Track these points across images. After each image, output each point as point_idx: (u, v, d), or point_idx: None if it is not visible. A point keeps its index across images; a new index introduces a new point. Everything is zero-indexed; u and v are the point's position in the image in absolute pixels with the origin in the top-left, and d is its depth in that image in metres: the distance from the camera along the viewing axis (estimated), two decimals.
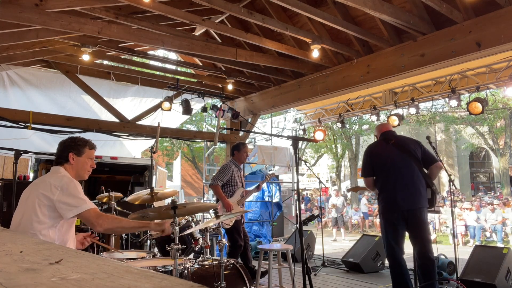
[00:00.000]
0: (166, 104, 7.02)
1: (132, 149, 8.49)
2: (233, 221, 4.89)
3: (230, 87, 7.31)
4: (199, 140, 10.42)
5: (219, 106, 7.51)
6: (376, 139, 4.29)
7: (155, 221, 2.67)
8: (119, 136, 7.23)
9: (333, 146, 23.44)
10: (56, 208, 2.30)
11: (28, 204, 2.36)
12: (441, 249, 7.72)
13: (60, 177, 2.40)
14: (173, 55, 8.48)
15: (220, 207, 4.95)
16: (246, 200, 5.41)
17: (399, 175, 3.86)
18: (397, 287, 3.85)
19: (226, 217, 3.29)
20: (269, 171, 5.41)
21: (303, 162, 5.49)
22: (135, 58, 7.15)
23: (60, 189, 2.32)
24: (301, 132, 9.92)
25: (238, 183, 5.11)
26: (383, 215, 3.96)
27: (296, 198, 5.52)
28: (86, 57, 5.69)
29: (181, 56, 7.52)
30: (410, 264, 4.10)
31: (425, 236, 3.80)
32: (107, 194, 4.24)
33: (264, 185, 9.86)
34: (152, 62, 8.07)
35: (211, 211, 5.17)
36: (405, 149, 3.94)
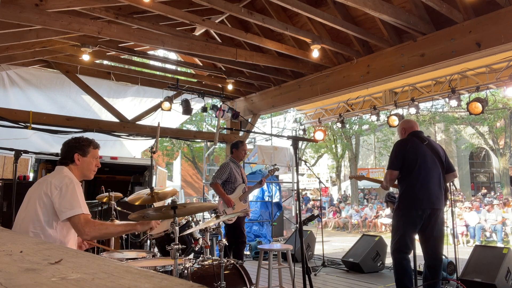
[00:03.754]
0: (166, 104, 7.02)
1: (132, 149, 8.49)
2: (236, 217, 4.94)
3: (230, 87, 7.31)
4: (199, 140, 10.41)
5: (219, 106, 7.51)
6: (400, 135, 4.27)
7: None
8: (119, 136, 7.23)
9: (333, 146, 23.44)
10: (53, 208, 2.31)
11: (30, 203, 2.37)
12: None
13: (62, 177, 2.40)
14: (173, 55, 8.48)
15: (221, 204, 5.02)
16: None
17: (428, 175, 3.93)
18: (401, 285, 3.84)
19: (228, 216, 3.30)
20: (273, 165, 5.43)
21: (303, 162, 5.48)
22: (135, 58, 7.15)
23: (59, 189, 2.32)
24: (301, 132, 9.92)
25: (238, 179, 5.17)
26: (404, 211, 3.94)
27: (296, 198, 5.52)
28: (86, 57, 5.69)
29: (181, 56, 7.52)
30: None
31: (442, 236, 3.95)
32: (107, 194, 4.24)
33: (264, 185, 9.87)
34: (152, 62, 8.07)
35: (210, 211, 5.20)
36: (436, 153, 4.06)
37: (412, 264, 4.30)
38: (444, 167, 4.06)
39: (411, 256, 4.05)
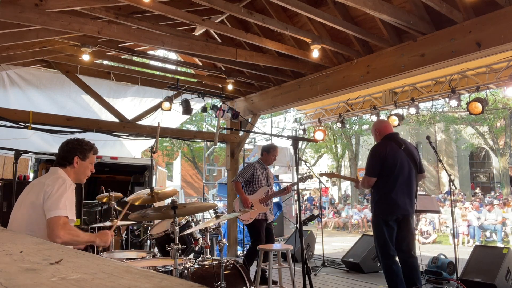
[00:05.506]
0: (166, 104, 7.01)
1: (132, 149, 8.49)
2: (253, 218, 4.97)
3: (230, 87, 7.31)
4: (199, 140, 10.42)
5: (219, 106, 7.51)
6: (375, 136, 4.28)
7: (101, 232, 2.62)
8: (119, 136, 7.22)
9: (333, 146, 23.46)
10: (43, 209, 2.29)
11: (23, 206, 2.36)
12: (441, 249, 7.73)
13: (56, 178, 2.38)
14: (173, 55, 8.48)
15: (238, 203, 5.06)
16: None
17: (405, 182, 3.97)
18: (395, 286, 3.87)
19: (229, 216, 3.30)
20: (305, 174, 5.28)
21: (303, 162, 5.47)
22: (135, 58, 7.14)
23: (50, 190, 2.30)
24: (301, 132, 9.92)
25: (261, 181, 5.14)
26: (381, 216, 4.01)
27: (296, 198, 5.51)
28: (86, 57, 5.69)
29: (181, 56, 7.51)
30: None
31: (414, 237, 4.13)
32: (107, 194, 4.24)
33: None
34: (152, 62, 8.07)
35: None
36: (413, 157, 4.09)
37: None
38: (418, 170, 4.12)
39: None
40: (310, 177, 5.15)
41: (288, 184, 5.39)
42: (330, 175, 5.43)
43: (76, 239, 2.36)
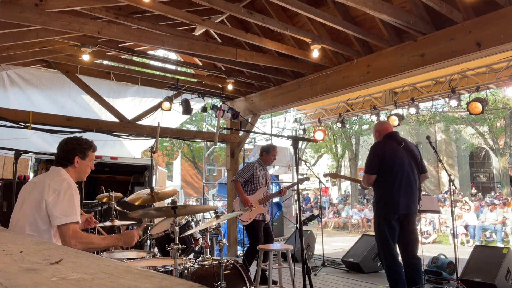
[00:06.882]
0: (166, 104, 7.02)
1: (132, 149, 8.49)
2: (252, 219, 4.98)
3: (230, 87, 7.31)
4: (199, 140, 10.42)
5: (219, 106, 7.51)
6: (375, 138, 4.28)
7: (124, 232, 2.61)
8: (119, 136, 7.22)
9: (333, 146, 23.47)
10: (47, 212, 2.27)
11: (25, 205, 2.34)
12: (441, 249, 7.73)
13: (60, 180, 2.36)
14: (173, 55, 8.48)
15: (238, 203, 5.08)
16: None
17: (405, 179, 3.94)
18: (396, 286, 3.86)
19: (230, 215, 3.29)
20: (304, 175, 5.38)
21: (303, 162, 5.49)
22: (135, 58, 7.14)
23: (56, 193, 2.28)
24: (301, 132, 9.93)
25: (261, 182, 5.16)
26: (382, 215, 4.00)
27: (296, 198, 5.52)
28: (86, 57, 5.69)
29: (181, 56, 7.51)
30: None
31: (417, 238, 4.10)
32: (107, 194, 4.24)
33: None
34: (152, 62, 8.07)
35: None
36: (413, 155, 4.07)
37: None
38: (419, 169, 4.08)
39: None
40: (307, 179, 5.22)
41: (283, 187, 5.40)
42: (334, 175, 5.51)
43: (91, 246, 2.34)
